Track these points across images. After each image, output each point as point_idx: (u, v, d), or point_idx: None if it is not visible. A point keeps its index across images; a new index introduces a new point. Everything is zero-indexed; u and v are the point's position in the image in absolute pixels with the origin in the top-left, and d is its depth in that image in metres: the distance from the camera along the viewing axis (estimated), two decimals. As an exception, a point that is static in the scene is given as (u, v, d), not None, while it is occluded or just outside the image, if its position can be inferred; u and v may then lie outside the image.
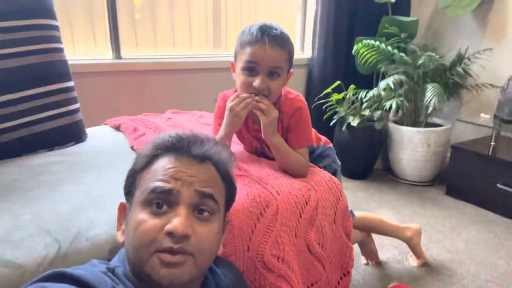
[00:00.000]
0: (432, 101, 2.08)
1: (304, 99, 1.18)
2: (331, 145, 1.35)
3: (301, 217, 1.07)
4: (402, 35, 2.40)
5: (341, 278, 1.19)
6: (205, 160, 0.71)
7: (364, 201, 2.27)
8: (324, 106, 2.53)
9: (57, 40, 1.43)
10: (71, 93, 1.46)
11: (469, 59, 2.33)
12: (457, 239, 1.88)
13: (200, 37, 2.54)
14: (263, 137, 1.12)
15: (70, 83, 1.47)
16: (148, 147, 0.73)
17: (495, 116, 2.28)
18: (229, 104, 1.09)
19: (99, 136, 1.53)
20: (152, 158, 0.71)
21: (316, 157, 1.30)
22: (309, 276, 1.10)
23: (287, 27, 2.79)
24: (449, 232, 1.94)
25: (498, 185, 2.08)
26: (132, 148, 1.34)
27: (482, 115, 2.36)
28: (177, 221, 0.62)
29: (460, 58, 2.31)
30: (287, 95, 1.17)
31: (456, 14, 2.44)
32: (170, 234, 0.62)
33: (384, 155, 2.68)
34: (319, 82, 2.72)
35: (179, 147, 0.70)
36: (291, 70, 1.15)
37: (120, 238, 0.72)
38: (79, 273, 0.60)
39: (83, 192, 1.00)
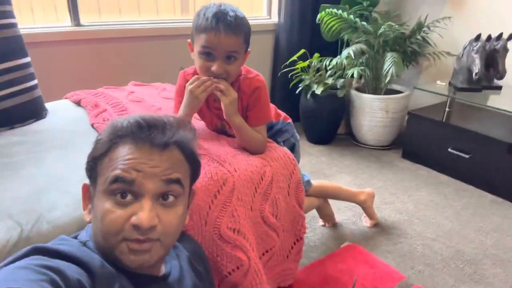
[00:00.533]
0: (391, 70, 2.15)
1: (262, 79, 1.22)
2: (290, 120, 1.42)
3: (256, 191, 1.14)
4: (364, 3, 2.42)
5: (294, 243, 1.30)
6: (168, 146, 0.70)
7: (326, 166, 2.38)
8: (290, 74, 2.56)
9: (10, 15, 1.38)
10: (28, 69, 1.44)
11: (428, 27, 2.40)
12: (407, 200, 2.03)
13: (166, 1, 2.48)
14: (224, 117, 1.16)
15: (26, 59, 1.44)
16: (107, 132, 0.71)
17: (449, 84, 2.39)
18: (188, 86, 1.11)
19: (60, 112, 1.53)
20: (111, 144, 0.69)
21: (275, 132, 1.37)
22: (264, 244, 1.19)
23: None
24: (402, 194, 2.09)
25: (449, 149, 2.23)
26: (92, 126, 1.36)
27: (438, 82, 2.46)
28: (142, 215, 0.64)
29: (419, 27, 2.37)
30: (246, 75, 1.21)
31: (418, -19, 2.47)
32: (136, 226, 0.64)
33: (346, 121, 2.78)
34: (286, 48, 2.74)
35: (139, 135, 0.68)
36: (248, 49, 1.18)
37: (87, 217, 0.74)
38: (63, 248, 0.62)
39: (44, 175, 1.03)
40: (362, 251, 1.60)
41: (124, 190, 0.66)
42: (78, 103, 1.59)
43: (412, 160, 2.48)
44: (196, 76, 1.13)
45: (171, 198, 0.69)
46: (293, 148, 1.43)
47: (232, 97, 1.12)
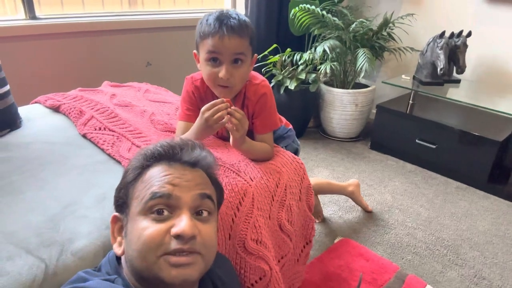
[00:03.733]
0: (365, 66, 2.22)
1: (268, 84, 1.20)
2: (291, 127, 1.41)
3: (273, 200, 1.13)
4: (335, -1, 2.46)
5: (304, 247, 1.31)
6: (196, 165, 0.72)
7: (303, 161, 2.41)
8: (263, 70, 2.54)
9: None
10: (-2, 74, 1.27)
11: (393, 23, 2.50)
12: (384, 191, 2.14)
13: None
14: (231, 145, 1.11)
15: (-4, 62, 1.27)
16: (138, 158, 0.73)
17: (414, 78, 2.53)
18: (204, 114, 1.03)
19: (36, 120, 1.38)
20: (143, 169, 0.71)
21: (277, 138, 1.35)
22: (280, 251, 1.19)
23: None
24: (377, 185, 2.19)
25: (416, 140, 2.37)
26: (84, 136, 1.24)
27: (403, 76, 2.59)
28: (183, 224, 0.64)
29: (386, 23, 2.46)
30: (252, 80, 1.18)
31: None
32: (178, 236, 0.63)
33: (316, 114, 2.84)
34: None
35: (170, 155, 0.71)
36: (255, 54, 1.15)
37: (117, 250, 0.71)
38: (93, 286, 0.60)
39: (51, 198, 0.93)
40: (355, 245, 1.66)
41: (161, 206, 0.66)
42: (55, 109, 1.44)
43: (380, 151, 2.60)
44: (211, 103, 1.04)
45: (205, 214, 0.70)
46: (295, 154, 1.43)
47: (244, 129, 1.06)
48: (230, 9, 1.09)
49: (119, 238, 0.72)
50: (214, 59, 1.06)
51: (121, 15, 2.30)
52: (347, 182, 1.88)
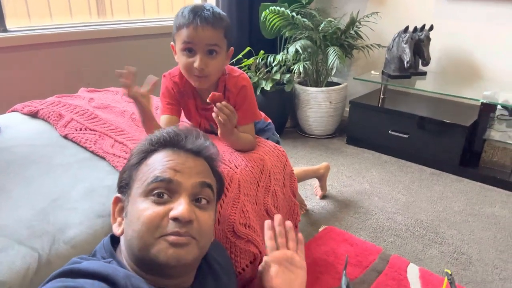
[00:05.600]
0: (336, 63, 2.31)
1: (247, 77, 1.24)
2: (270, 121, 1.46)
3: (258, 186, 1.17)
4: (303, 1, 2.55)
5: (291, 232, 1.35)
6: (199, 154, 0.75)
7: (282, 159, 2.46)
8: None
9: None
10: (-27, 80, 1.26)
11: (359, 22, 2.61)
12: (363, 181, 2.21)
13: (101, 3, 2.33)
14: (219, 136, 1.14)
15: (-30, 69, 1.26)
16: (143, 143, 0.75)
17: (383, 73, 2.64)
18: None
19: (15, 126, 1.36)
20: (148, 153, 0.73)
21: (258, 131, 1.39)
22: (268, 236, 1.22)
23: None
24: (356, 176, 2.26)
25: (390, 131, 2.46)
26: (65, 137, 1.24)
27: (372, 72, 2.70)
28: (182, 208, 0.66)
29: (353, 22, 2.57)
30: (231, 73, 1.22)
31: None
32: (175, 219, 0.66)
33: (293, 114, 2.90)
34: (227, 47, 2.75)
35: (175, 141, 0.73)
36: (231, 47, 1.19)
37: (116, 230, 0.73)
38: (85, 266, 0.61)
39: (36, 194, 0.93)
40: (339, 232, 1.71)
41: (162, 189, 0.68)
42: (33, 115, 1.43)
43: (356, 145, 2.68)
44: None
45: (203, 201, 0.72)
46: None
47: (232, 124, 1.09)
48: (205, 3, 1.13)
49: (119, 219, 0.74)
50: (189, 50, 1.09)
51: (91, 25, 2.30)
52: (319, 165, 1.97)
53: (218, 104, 1.04)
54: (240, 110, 1.22)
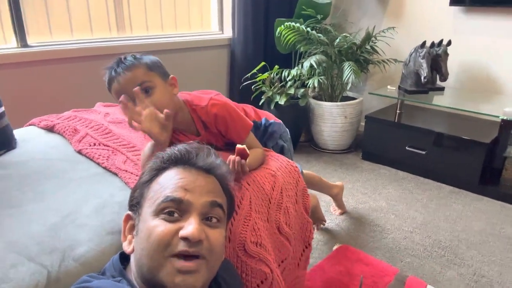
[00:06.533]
0: (351, 78, 2.29)
1: (216, 100, 1.15)
2: (273, 119, 1.42)
3: (270, 202, 1.15)
4: (319, 17, 2.55)
5: (303, 250, 1.32)
6: (209, 171, 0.74)
7: (296, 174, 2.44)
8: (252, 87, 2.60)
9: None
10: (-7, 96, 1.29)
11: (375, 37, 2.59)
12: (379, 198, 2.16)
13: (120, 19, 2.38)
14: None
15: (-9, 85, 1.29)
16: (155, 160, 0.75)
17: (399, 88, 2.60)
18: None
19: (31, 140, 1.39)
20: (159, 170, 0.73)
21: (262, 134, 1.37)
22: (280, 254, 1.19)
23: (204, 7, 2.77)
24: (372, 193, 2.22)
25: (406, 147, 2.41)
26: (79, 152, 1.26)
27: (388, 87, 2.67)
28: (191, 227, 0.65)
29: (368, 37, 2.56)
30: (199, 104, 1.15)
31: (361, -5, 2.67)
32: (185, 239, 0.65)
33: (307, 128, 2.88)
34: (242, 62, 2.78)
35: (185, 159, 0.73)
36: (170, 75, 1.12)
37: (126, 248, 0.72)
38: (99, 286, 0.60)
39: (49, 209, 0.93)
40: (354, 251, 1.67)
41: (172, 208, 0.67)
42: (49, 129, 1.46)
43: (372, 161, 2.63)
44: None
45: (214, 220, 0.71)
46: (281, 152, 1.45)
47: (244, 172, 1.07)
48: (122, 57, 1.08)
49: (129, 237, 0.73)
50: (129, 99, 1.03)
51: (110, 40, 2.35)
52: (333, 183, 1.93)
53: (232, 159, 1.03)
54: (229, 131, 1.18)
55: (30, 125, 1.57)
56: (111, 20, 2.35)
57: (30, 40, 2.07)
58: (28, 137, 1.42)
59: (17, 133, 1.44)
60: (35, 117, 1.63)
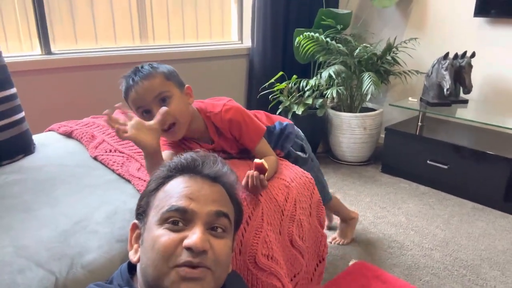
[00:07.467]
0: (370, 89, 2.25)
1: (230, 106, 1.16)
2: (287, 121, 1.41)
3: (283, 214, 1.12)
4: (339, 27, 2.53)
5: (317, 265, 1.28)
6: (216, 180, 0.73)
7: (312, 186, 2.40)
8: (270, 96, 2.59)
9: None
10: (15, 101, 1.32)
11: (397, 48, 2.55)
12: (398, 212, 2.09)
13: (143, 28, 2.43)
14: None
15: (13, 90, 1.33)
16: (161, 169, 0.74)
17: (421, 99, 2.54)
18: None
19: (49, 145, 1.41)
20: (165, 179, 0.72)
21: (277, 137, 1.35)
22: (292, 269, 1.16)
23: (225, 17, 2.79)
24: (391, 207, 2.15)
25: (428, 161, 2.34)
26: (95, 158, 1.27)
27: (410, 99, 2.61)
28: (195, 237, 0.64)
29: (389, 48, 2.51)
30: (212, 111, 1.16)
31: (383, 5, 2.63)
32: (189, 249, 0.64)
33: (324, 139, 2.84)
34: (261, 71, 2.77)
35: (191, 167, 0.72)
36: (186, 85, 1.14)
37: (132, 257, 0.72)
38: None
39: (61, 215, 0.94)
40: (371, 268, 1.61)
41: (177, 218, 0.66)
42: (68, 135, 1.48)
43: (392, 174, 2.57)
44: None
45: (219, 230, 0.70)
46: (302, 151, 1.44)
47: (264, 187, 1.06)
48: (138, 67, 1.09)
49: (135, 246, 0.73)
50: (145, 111, 1.06)
51: (133, 49, 2.39)
52: (352, 210, 1.84)
53: (250, 174, 1.03)
54: (242, 137, 1.19)
55: (49, 130, 1.60)
56: (134, 29, 2.40)
57: (55, 48, 2.13)
58: (47, 142, 1.44)
59: (37, 138, 1.47)
60: (57, 122, 1.66)
